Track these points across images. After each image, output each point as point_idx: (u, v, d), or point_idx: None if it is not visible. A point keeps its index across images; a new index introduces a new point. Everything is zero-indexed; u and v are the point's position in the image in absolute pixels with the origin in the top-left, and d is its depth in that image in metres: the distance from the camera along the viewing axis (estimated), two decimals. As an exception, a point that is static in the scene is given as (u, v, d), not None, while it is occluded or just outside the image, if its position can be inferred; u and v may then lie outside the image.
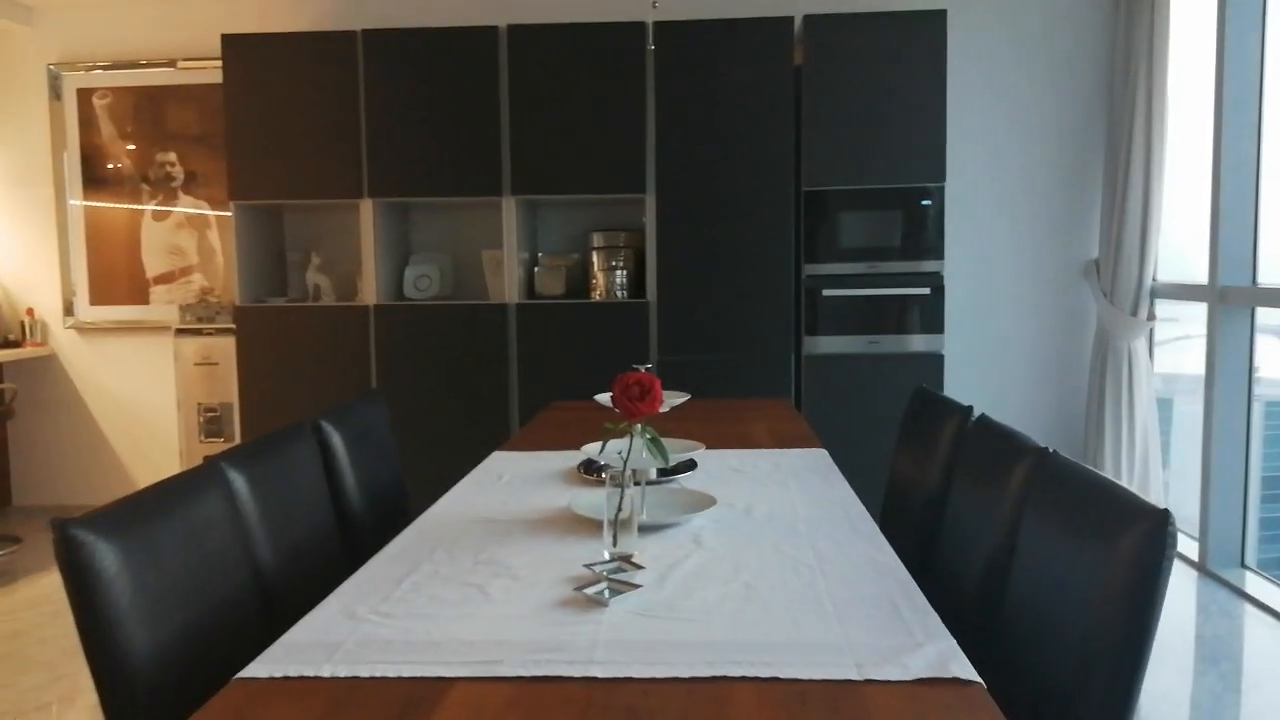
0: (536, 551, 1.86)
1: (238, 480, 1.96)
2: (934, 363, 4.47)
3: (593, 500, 2.12)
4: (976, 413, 2.43)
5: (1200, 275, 4.19)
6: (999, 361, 4.97)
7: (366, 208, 4.71)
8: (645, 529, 1.94)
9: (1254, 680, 3.20)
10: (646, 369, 2.15)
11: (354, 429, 2.64)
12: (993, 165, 4.95)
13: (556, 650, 1.39)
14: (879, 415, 4.46)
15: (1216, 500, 4.06)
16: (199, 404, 4.95)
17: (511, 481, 2.46)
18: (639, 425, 1.78)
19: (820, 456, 2.72)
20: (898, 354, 4.46)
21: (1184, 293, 4.50)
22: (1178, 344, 4.92)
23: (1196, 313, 4.52)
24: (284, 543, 2.06)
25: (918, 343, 4.46)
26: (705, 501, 2.10)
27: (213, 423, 4.94)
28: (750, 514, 2.11)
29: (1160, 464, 4.77)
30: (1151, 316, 4.70)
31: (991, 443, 2.19)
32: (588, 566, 1.71)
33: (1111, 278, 4.75)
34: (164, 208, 5.40)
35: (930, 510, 2.47)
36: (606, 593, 1.60)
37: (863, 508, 2.17)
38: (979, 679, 1.28)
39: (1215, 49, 4.03)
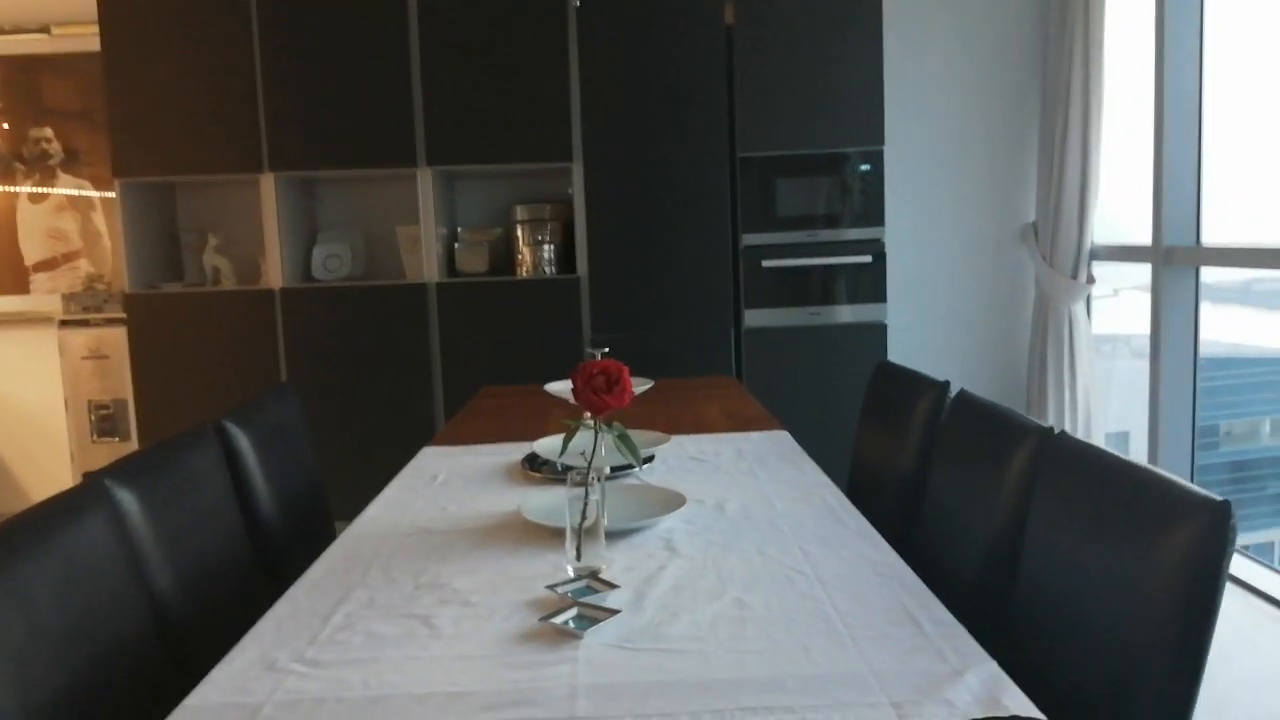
0: (487, 569, 1.61)
1: (126, 499, 1.66)
2: (877, 333, 4.31)
3: (545, 502, 1.88)
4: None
5: (1134, 237, 4.11)
6: (940, 330, 4.85)
7: (267, 183, 4.34)
8: (611, 535, 1.70)
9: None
10: (604, 354, 1.90)
11: (263, 429, 2.34)
12: (931, 128, 4.80)
13: (529, 702, 1.14)
14: (826, 390, 4.29)
15: (1165, 456, 4.00)
16: (90, 401, 4.53)
17: (448, 482, 2.20)
18: (603, 420, 1.53)
19: (782, 440, 2.51)
20: (839, 325, 4.29)
21: (1127, 254, 4.41)
22: (1102, 303, 4.88)
23: (1127, 272, 4.44)
24: (186, 568, 1.77)
25: (860, 312, 4.29)
26: (673, 500, 1.87)
27: (106, 421, 4.53)
28: (723, 511, 1.89)
29: (1103, 427, 4.71)
30: (1091, 279, 4.62)
31: (980, 422, 2.00)
32: (551, 588, 1.47)
33: (1051, 241, 4.65)
34: (42, 189, 4.92)
35: (905, 497, 2.29)
36: (577, 621, 1.36)
37: (844, 497, 1.97)
38: (1038, 714, 1.08)
39: (1154, 5, 3.92)
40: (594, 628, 1.33)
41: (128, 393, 4.47)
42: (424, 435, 3.26)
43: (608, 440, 1.55)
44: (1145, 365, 4.10)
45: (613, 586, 1.46)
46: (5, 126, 4.91)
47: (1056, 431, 1.72)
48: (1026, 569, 1.63)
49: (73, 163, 4.91)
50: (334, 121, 4.28)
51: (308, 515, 2.45)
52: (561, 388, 2.79)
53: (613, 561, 1.61)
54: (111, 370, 4.50)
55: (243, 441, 2.23)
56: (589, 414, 1.53)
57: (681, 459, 2.31)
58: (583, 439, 1.57)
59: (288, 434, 2.48)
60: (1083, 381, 4.70)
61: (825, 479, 2.12)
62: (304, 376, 4.34)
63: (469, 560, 1.65)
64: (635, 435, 1.91)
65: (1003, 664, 1.21)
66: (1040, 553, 1.60)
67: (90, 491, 1.58)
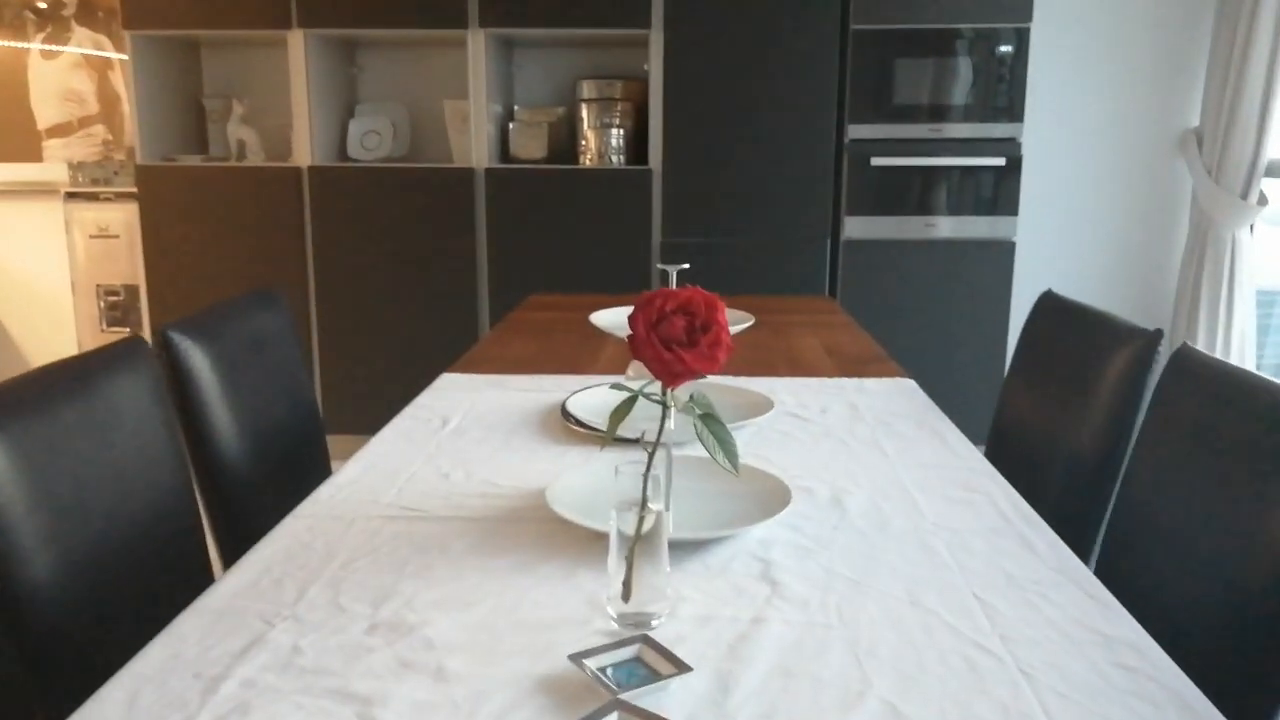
0: (485, 600, 1.04)
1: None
2: (1003, 253, 3.61)
3: (585, 483, 1.30)
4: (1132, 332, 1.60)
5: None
6: (1072, 252, 4.11)
7: (296, 42, 3.72)
8: (675, 548, 1.12)
9: None
10: (680, 273, 1.30)
11: (231, 344, 1.79)
12: (1085, 3, 3.98)
13: None
14: (939, 320, 3.62)
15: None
16: (99, 286, 4.05)
17: (462, 430, 1.63)
18: (680, 391, 0.93)
19: (909, 391, 1.89)
20: (959, 240, 3.59)
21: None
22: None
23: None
24: (76, 547, 1.24)
25: (985, 226, 3.58)
26: (770, 491, 1.28)
27: (115, 309, 4.05)
28: (844, 511, 1.29)
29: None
30: (1264, 200, 3.84)
31: (1224, 395, 1.36)
32: (577, 661, 0.89)
33: (1219, 151, 3.86)
34: (54, 46, 4.38)
35: (1082, 487, 1.66)
36: (619, 743, 0.78)
37: (1017, 496, 1.36)
38: None
39: None
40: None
41: (139, 278, 3.98)
42: (464, 345, 2.71)
43: (680, 418, 0.95)
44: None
45: (678, 668, 0.88)
46: (16, -30, 4.35)
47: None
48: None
49: (88, 16, 4.35)
50: (374, -29, 3.64)
51: (293, 459, 1.91)
52: (612, 321, 2.03)
53: (678, 603, 1.03)
54: (121, 252, 4.00)
55: (196, 359, 1.68)
56: (653, 377, 0.93)
57: (776, 414, 1.71)
58: (643, 405, 0.97)
59: (270, 354, 1.93)
60: (1240, 323, 3.96)
61: (983, 461, 1.50)
62: (331, 269, 3.80)
63: (461, 579, 1.09)
64: (720, 395, 1.30)
65: None
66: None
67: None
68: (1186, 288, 4.01)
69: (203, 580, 1.49)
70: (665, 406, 0.91)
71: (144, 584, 1.36)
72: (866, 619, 1.00)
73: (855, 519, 1.26)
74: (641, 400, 0.95)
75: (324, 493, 1.35)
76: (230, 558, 1.60)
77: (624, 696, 0.83)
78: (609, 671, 0.88)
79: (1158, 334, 1.62)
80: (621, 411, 0.90)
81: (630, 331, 0.88)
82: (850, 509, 1.30)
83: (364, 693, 0.87)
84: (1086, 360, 1.75)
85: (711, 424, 0.90)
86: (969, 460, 1.50)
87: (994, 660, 0.92)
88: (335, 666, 0.91)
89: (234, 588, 1.07)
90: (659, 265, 1.40)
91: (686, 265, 1.62)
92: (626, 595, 0.97)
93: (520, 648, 0.94)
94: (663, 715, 0.80)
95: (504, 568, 1.11)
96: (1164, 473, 1.44)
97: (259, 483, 1.77)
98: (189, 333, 1.69)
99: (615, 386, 0.92)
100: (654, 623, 0.98)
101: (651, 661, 0.90)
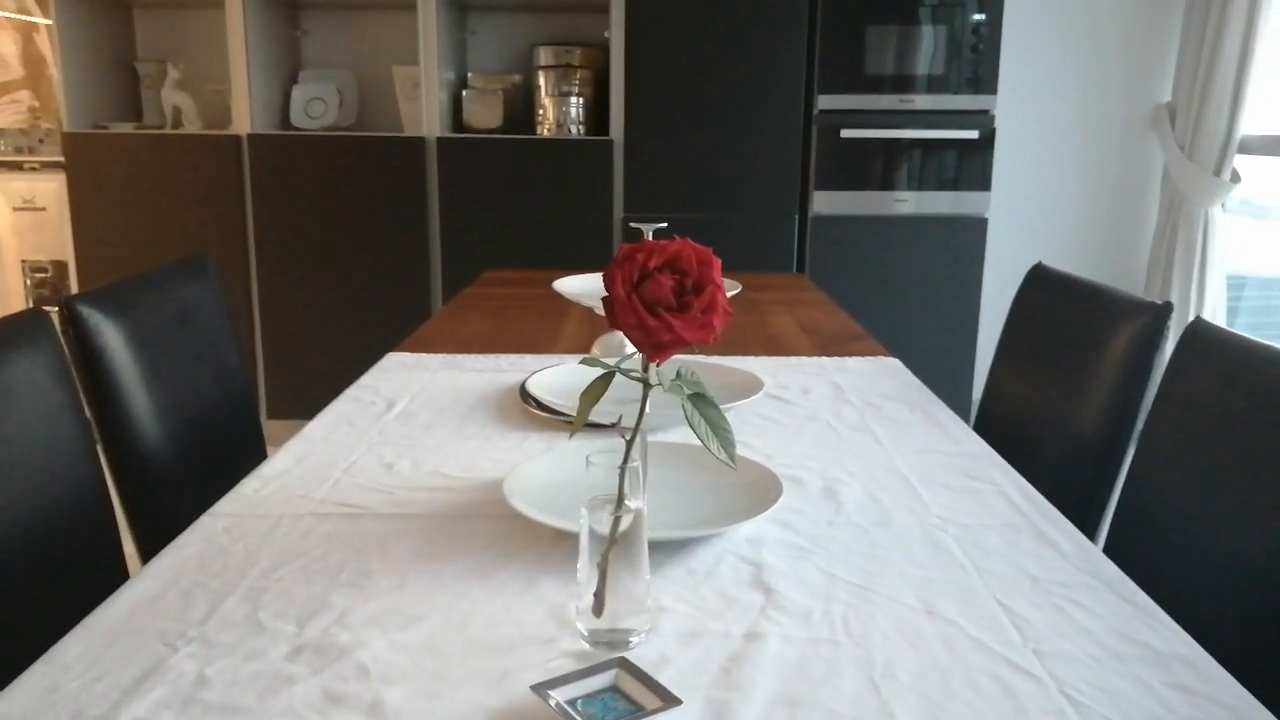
0: (435, 615, 0.88)
1: None
2: (975, 229, 3.50)
3: (549, 473, 1.15)
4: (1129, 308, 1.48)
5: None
6: (1041, 228, 4.01)
7: (235, 1, 3.50)
8: (653, 550, 0.97)
9: None
10: (655, 231, 1.15)
11: (150, 318, 1.61)
12: (1052, -23, 3.88)
13: None
14: (911, 298, 3.51)
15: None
16: (24, 261, 3.81)
17: (409, 415, 1.47)
18: (665, 368, 0.77)
19: (894, 370, 1.76)
20: (931, 216, 3.47)
21: (1294, 146, 3.55)
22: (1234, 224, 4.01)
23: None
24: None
25: (957, 201, 3.47)
26: (759, 483, 1.13)
27: (43, 286, 3.81)
28: (838, 503, 1.15)
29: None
30: (1236, 178, 3.76)
31: (1251, 370, 1.24)
32: (541, 692, 0.74)
33: (1191, 127, 3.78)
34: (-25, 2, 4.10)
35: (1083, 473, 1.54)
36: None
37: (1027, 485, 1.23)
38: None
39: None
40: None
41: (68, 254, 3.74)
42: (415, 324, 2.54)
43: (660, 399, 0.80)
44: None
45: (664, 701, 0.73)
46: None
47: None
48: None
49: (11, -28, 4.07)
50: (317, -73, 3.42)
51: (222, 447, 1.73)
52: (581, 287, 1.81)
53: (659, 615, 0.89)
54: (48, 225, 3.76)
55: (108, 335, 1.50)
56: (634, 350, 0.77)
57: (755, 399, 1.56)
58: (617, 395, 0.81)
59: (197, 327, 1.75)
60: (1211, 302, 3.89)
61: (983, 445, 1.37)
62: (273, 244, 3.59)
63: (403, 589, 0.93)
64: (702, 374, 1.16)
65: None
66: None
67: None
68: (1158, 265, 3.94)
69: (116, 588, 1.32)
70: (647, 385, 0.76)
71: (38, 594, 1.18)
72: (878, 633, 0.86)
73: (852, 513, 1.12)
74: (616, 379, 0.80)
75: (248, 487, 1.18)
76: (153, 540, 1.42)
77: (599, 738, 0.68)
78: (580, 705, 0.73)
79: (1167, 307, 1.50)
80: (595, 391, 0.74)
81: (605, 293, 0.72)
82: (846, 502, 1.15)
83: (281, 736, 0.71)
84: (1086, 336, 1.63)
85: (703, 406, 0.75)
86: (968, 445, 1.37)
87: (1032, 682, 0.79)
88: (248, 702, 0.75)
89: (132, 602, 0.90)
90: (631, 224, 1.24)
91: (664, 224, 1.46)
92: (599, 609, 0.83)
93: (472, 675, 0.79)
94: (648, 763, 0.65)
95: (454, 575, 0.96)
96: (1178, 456, 1.32)
97: (185, 475, 1.59)
98: (100, 305, 1.51)
99: (586, 362, 0.76)
100: (632, 641, 0.83)
101: (631, 691, 0.75)
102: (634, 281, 0.70)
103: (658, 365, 0.75)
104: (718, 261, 0.72)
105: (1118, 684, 0.79)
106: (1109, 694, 0.77)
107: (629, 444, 0.79)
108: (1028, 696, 0.77)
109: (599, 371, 0.76)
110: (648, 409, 0.85)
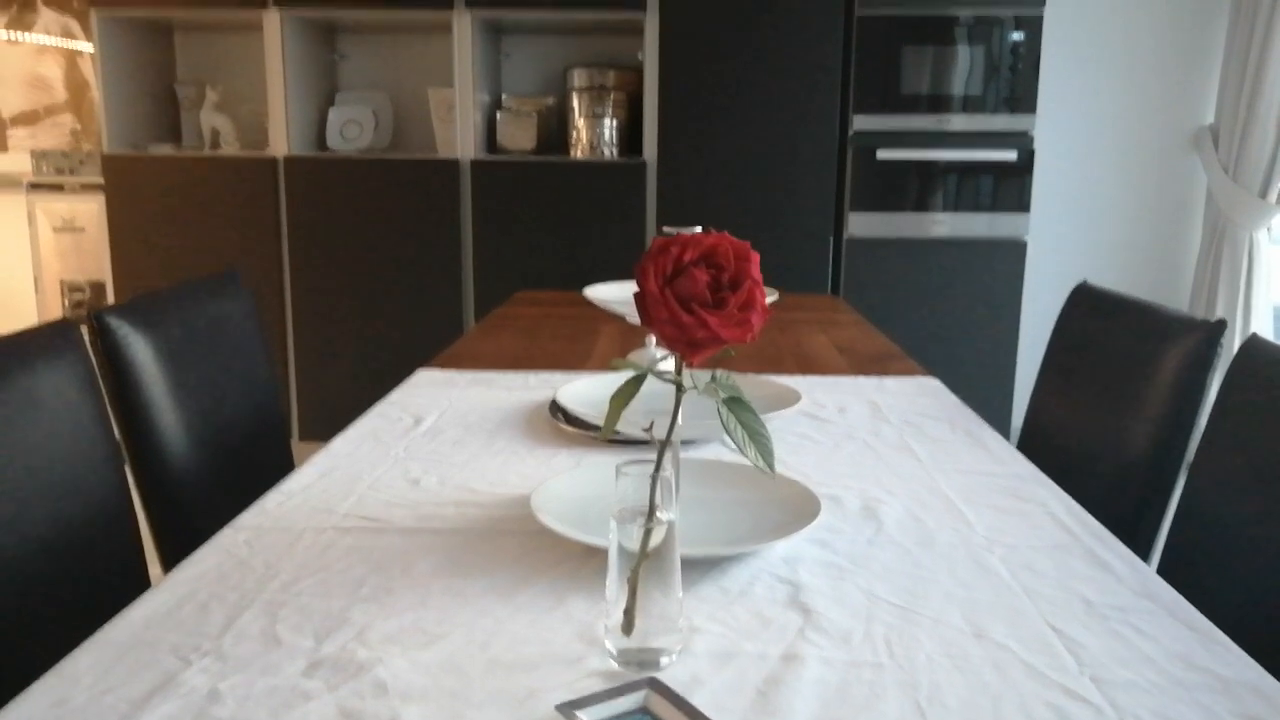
0: (457, 633, 0.85)
1: None
2: (1014, 252, 3.43)
3: (579, 489, 1.11)
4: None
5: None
6: (1080, 252, 3.94)
7: (272, 24, 3.53)
8: (684, 568, 0.93)
9: None
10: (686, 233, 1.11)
11: (180, 332, 1.60)
12: (1091, -2, 3.83)
13: None
14: (948, 322, 3.45)
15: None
16: (63, 282, 3.85)
17: (438, 430, 1.44)
18: (699, 371, 0.74)
19: (934, 390, 1.71)
20: (968, 239, 3.42)
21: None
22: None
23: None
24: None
25: (995, 224, 3.41)
26: (795, 500, 1.09)
27: (80, 307, 3.84)
28: (879, 522, 1.11)
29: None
30: (1284, 200, 3.68)
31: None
32: (567, 713, 0.70)
33: (1235, 148, 3.70)
34: (17, 32, 4.17)
35: (1133, 493, 1.48)
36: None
37: (1077, 506, 1.17)
38: None
39: None
40: None
41: (105, 274, 3.77)
42: (447, 345, 2.52)
43: (693, 411, 0.76)
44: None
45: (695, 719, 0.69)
46: (-19, -49, 4.15)
47: None
48: None
49: (56, -3, 4.15)
50: (354, -49, 3.45)
51: (249, 463, 1.71)
52: (612, 294, 1.80)
53: (691, 635, 0.84)
54: (87, 246, 3.80)
55: (137, 348, 1.49)
56: (667, 350, 0.74)
57: (793, 416, 1.52)
58: (647, 389, 0.78)
59: (226, 340, 1.74)
60: (1258, 327, 3.80)
61: (1029, 466, 1.32)
62: (307, 265, 3.60)
63: (425, 606, 0.89)
64: (741, 386, 1.12)
65: None
66: None
67: None
68: (1202, 290, 3.85)
69: (132, 574, 1.29)
70: (680, 388, 0.72)
71: (59, 606, 1.16)
72: (923, 656, 0.81)
73: (893, 532, 1.08)
74: (647, 386, 0.76)
75: (270, 501, 1.16)
76: (179, 547, 1.40)
77: (628, 763, 0.64)
78: (607, 727, 0.69)
79: (1220, 325, 1.45)
80: (625, 394, 0.71)
81: (641, 290, 0.69)
82: (886, 521, 1.11)
83: (293, 755, 0.67)
84: (1134, 356, 1.57)
85: (740, 410, 0.71)
86: (1013, 465, 1.32)
87: (1091, 711, 0.74)
88: (260, 718, 0.72)
89: (147, 615, 0.88)
90: (665, 228, 1.21)
91: (699, 228, 1.42)
92: (629, 627, 0.79)
93: (494, 695, 0.75)
94: (679, 790, 0.61)
95: (478, 591, 0.92)
96: (1235, 478, 1.26)
97: (211, 489, 1.58)
98: (129, 318, 1.50)
99: (616, 365, 0.73)
100: (663, 661, 0.79)
101: (662, 713, 0.71)
102: (668, 276, 0.67)
103: (691, 366, 0.71)
104: (756, 256, 0.69)
105: (1183, 712, 0.74)
106: (1174, 724, 0.72)
107: (661, 452, 0.75)
108: (1086, 726, 0.72)
109: (629, 375, 0.73)
110: (679, 420, 0.81)
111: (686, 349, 0.69)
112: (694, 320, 0.66)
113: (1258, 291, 3.76)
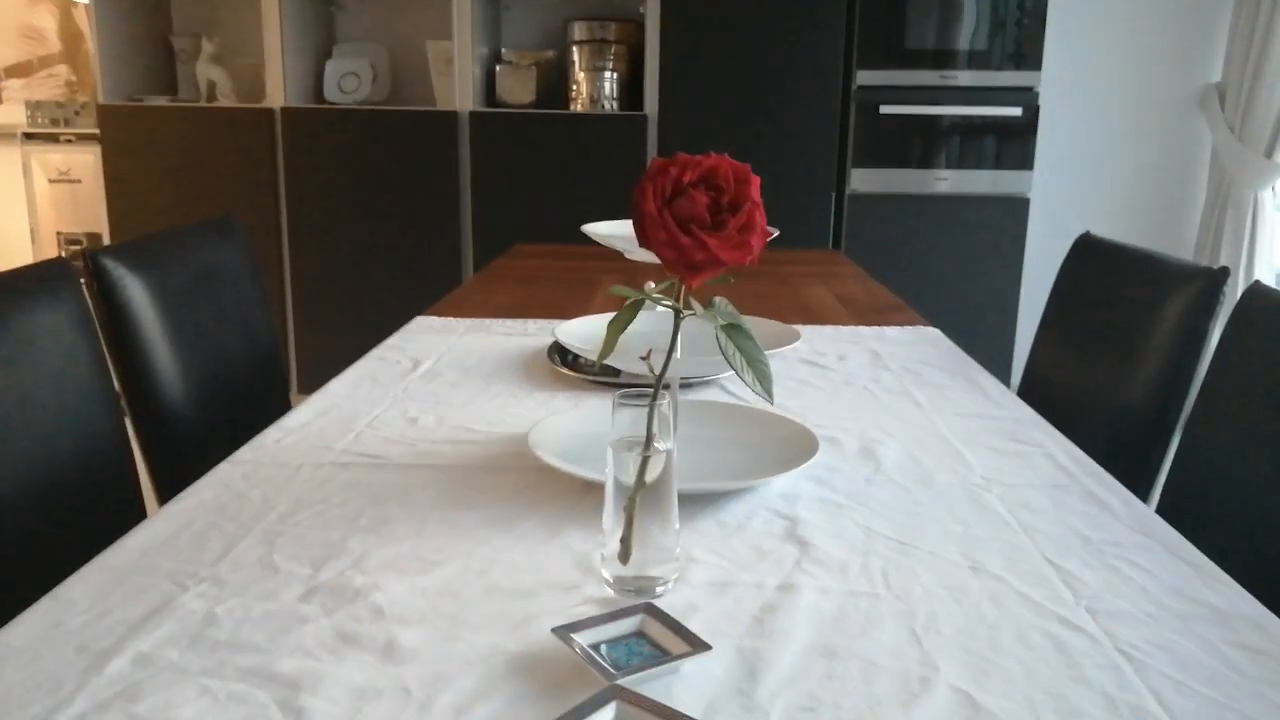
0: (455, 561, 0.85)
1: None
2: (1016, 209, 3.42)
3: (576, 427, 1.11)
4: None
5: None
6: (1085, 209, 3.92)
7: (269, -26, 3.49)
8: (682, 503, 0.92)
9: None
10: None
11: (177, 276, 1.59)
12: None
13: None
14: (949, 277, 3.43)
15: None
16: (59, 234, 3.83)
17: (435, 374, 1.43)
18: (694, 292, 0.73)
19: (934, 339, 1.71)
20: (971, 195, 3.39)
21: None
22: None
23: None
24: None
25: (998, 181, 3.39)
26: (793, 438, 1.09)
27: (78, 259, 3.82)
28: (876, 462, 1.10)
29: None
30: (1289, 159, 3.65)
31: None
32: (564, 635, 0.70)
33: (1242, 106, 3.67)
34: (13, -23, 4.12)
35: (1132, 443, 1.48)
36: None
37: (1076, 449, 1.17)
38: None
39: None
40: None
41: (102, 226, 3.75)
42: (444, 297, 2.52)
43: (693, 331, 0.76)
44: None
45: (692, 646, 0.69)
46: (-28, -103, 4.08)
47: None
48: None
49: (49, -55, 4.09)
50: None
51: (246, 408, 1.71)
52: (611, 229, 1.78)
53: (688, 566, 0.85)
54: (83, 198, 3.77)
55: (133, 290, 1.48)
56: (664, 275, 0.73)
57: (789, 363, 1.52)
58: (646, 326, 0.77)
59: (221, 287, 1.73)
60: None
61: (1028, 410, 1.32)
62: (306, 217, 3.58)
63: (423, 536, 0.90)
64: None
65: None
66: None
67: None
68: (1205, 249, 3.83)
69: (126, 513, 1.30)
70: (679, 314, 0.72)
71: (56, 544, 1.16)
72: (920, 588, 0.81)
73: (891, 472, 1.08)
74: (646, 326, 0.76)
75: (268, 437, 1.15)
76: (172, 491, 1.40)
77: (624, 682, 0.64)
78: (604, 650, 0.69)
79: (1223, 272, 1.44)
80: (622, 320, 0.70)
81: (639, 212, 0.68)
82: (884, 461, 1.11)
83: (290, 674, 0.68)
84: (1135, 305, 1.57)
85: (739, 337, 0.71)
86: (1012, 410, 1.32)
87: (1085, 639, 0.74)
88: (257, 640, 0.72)
89: (144, 543, 0.88)
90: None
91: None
92: (625, 555, 0.79)
93: (491, 619, 0.75)
94: (675, 707, 0.61)
95: (475, 523, 0.92)
96: (1237, 428, 1.26)
97: (207, 431, 1.57)
98: (124, 260, 1.49)
99: (614, 290, 0.72)
100: (659, 589, 0.79)
101: (658, 637, 0.71)
102: (666, 197, 0.66)
103: (690, 289, 0.70)
104: (756, 179, 0.68)
105: (1178, 642, 0.74)
106: (1169, 651, 0.72)
107: (658, 380, 0.75)
108: (1081, 653, 0.72)
109: (631, 298, 0.72)
110: (678, 354, 0.81)
111: (685, 271, 0.69)
112: (693, 242, 0.66)
113: (1260, 251, 3.74)
